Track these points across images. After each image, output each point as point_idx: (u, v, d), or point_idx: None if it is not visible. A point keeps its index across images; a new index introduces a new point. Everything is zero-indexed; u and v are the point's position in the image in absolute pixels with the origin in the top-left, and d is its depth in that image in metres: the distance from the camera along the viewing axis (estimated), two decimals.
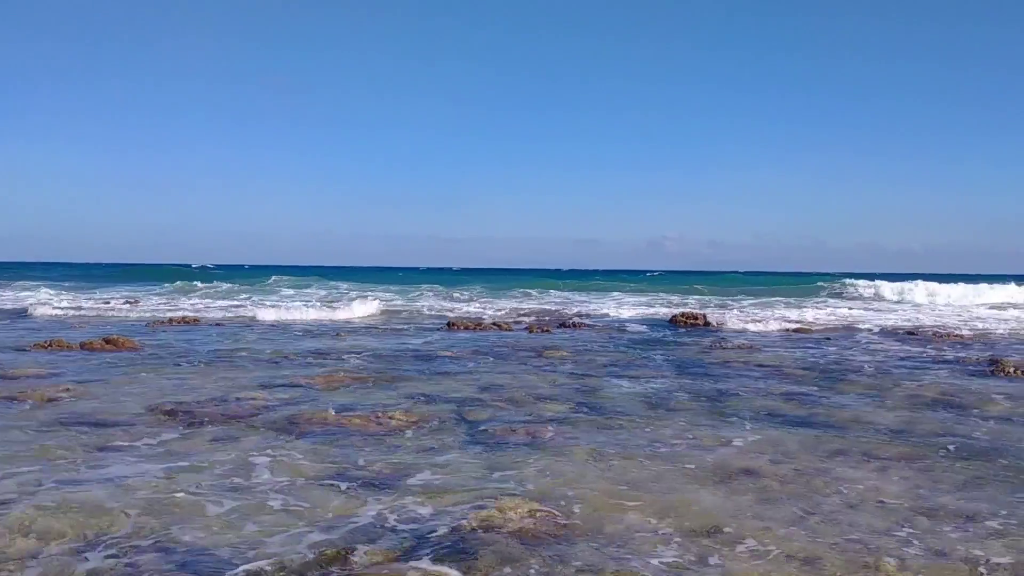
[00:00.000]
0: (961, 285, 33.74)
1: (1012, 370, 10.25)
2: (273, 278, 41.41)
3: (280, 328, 16.49)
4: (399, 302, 26.61)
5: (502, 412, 7.21)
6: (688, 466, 5.37)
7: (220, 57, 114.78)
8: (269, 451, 5.63)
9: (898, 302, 30.81)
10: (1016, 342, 15.20)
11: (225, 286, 34.31)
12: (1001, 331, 17.56)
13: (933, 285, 33.72)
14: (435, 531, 4.01)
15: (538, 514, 4.26)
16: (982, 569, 3.62)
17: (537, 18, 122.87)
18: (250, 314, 19.29)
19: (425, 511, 4.33)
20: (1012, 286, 33.18)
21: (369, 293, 30.03)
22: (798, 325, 18.29)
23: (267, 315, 18.73)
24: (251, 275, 47.54)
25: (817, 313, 23.50)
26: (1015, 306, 28.16)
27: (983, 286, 33.66)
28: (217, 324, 17.07)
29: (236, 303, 25.01)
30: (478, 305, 26.06)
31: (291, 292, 33.24)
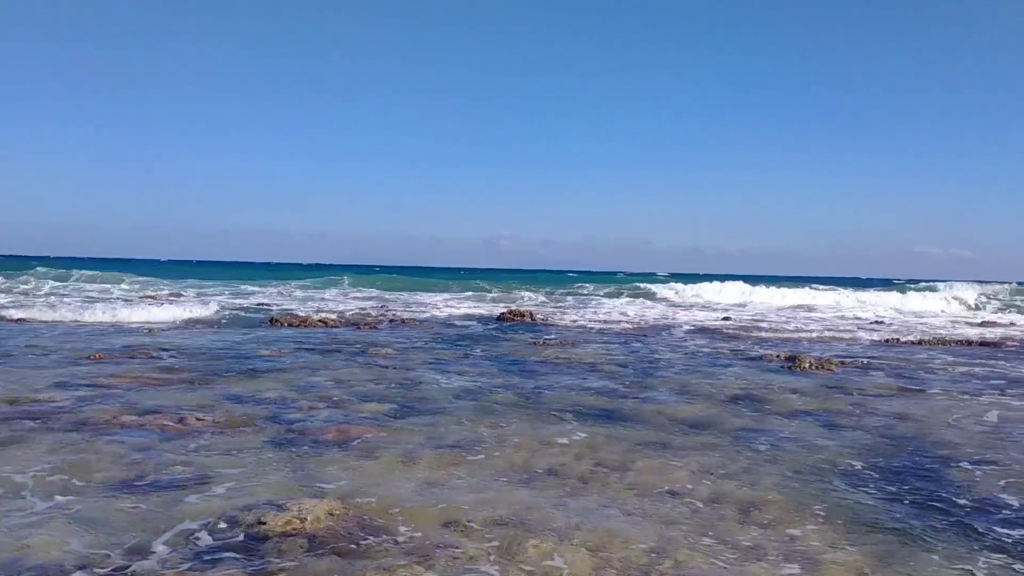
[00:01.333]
0: (772, 288, 36.00)
1: (808, 365, 11.00)
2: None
3: (77, 327, 15.52)
4: (222, 298, 25.65)
5: (316, 412, 7.06)
6: (498, 463, 5.44)
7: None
8: (53, 455, 5.27)
9: (715, 302, 32.42)
10: (818, 340, 16.32)
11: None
12: (802, 330, 18.82)
13: (744, 286, 35.83)
14: (232, 536, 3.87)
15: (339, 515, 4.20)
16: (761, 554, 3.84)
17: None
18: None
19: (222, 515, 4.17)
20: (806, 289, 35.88)
21: (194, 289, 28.77)
22: (621, 322, 18.94)
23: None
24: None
25: (638, 311, 24.45)
26: (810, 308, 30.28)
27: (786, 289, 36.10)
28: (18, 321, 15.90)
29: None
30: (308, 302, 25.53)
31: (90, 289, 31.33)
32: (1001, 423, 7.18)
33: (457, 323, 17.96)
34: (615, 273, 49.12)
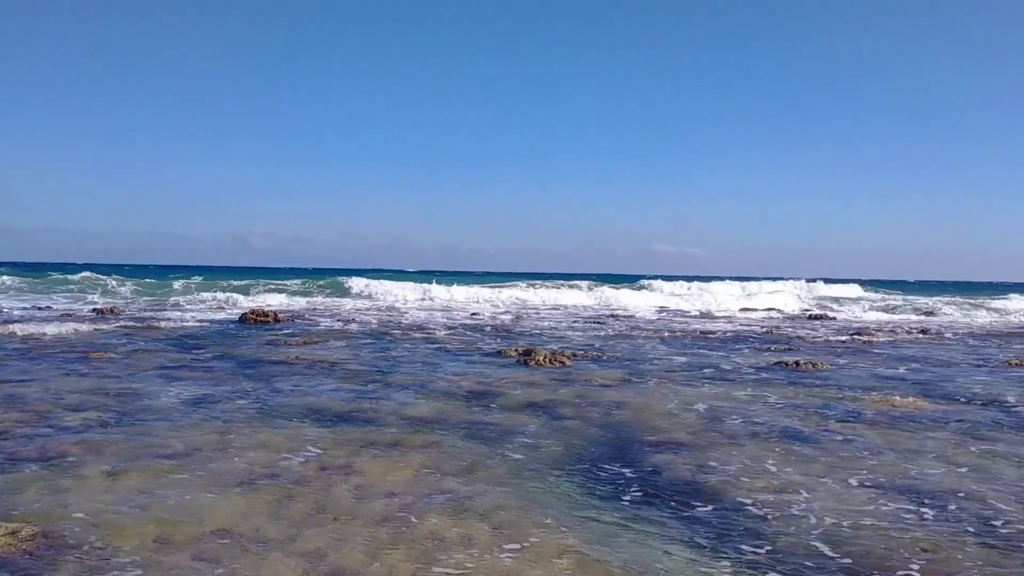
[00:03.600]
0: (523, 284, 37.32)
1: (542, 359, 11.47)
2: None
3: None
4: None
5: (17, 426, 6.43)
6: (218, 471, 5.21)
7: None
8: None
9: (460, 300, 33.03)
10: (555, 332, 17.06)
11: None
12: (547, 322, 19.64)
13: (484, 288, 36.87)
14: None
15: (26, 536, 3.85)
16: (476, 547, 3.93)
17: None
18: None
19: None
20: (519, 284, 37.52)
21: None
22: (371, 323, 18.84)
23: None
24: None
25: (385, 311, 24.45)
26: (556, 305, 31.65)
27: (523, 284, 37.65)
28: None
29: None
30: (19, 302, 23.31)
31: None
32: (707, 410, 7.83)
33: (195, 324, 17.08)
34: (372, 270, 48.78)
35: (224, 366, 10.47)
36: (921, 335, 18.30)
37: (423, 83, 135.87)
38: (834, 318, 25.05)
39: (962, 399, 8.67)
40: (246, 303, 25.21)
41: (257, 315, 17.93)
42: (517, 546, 3.95)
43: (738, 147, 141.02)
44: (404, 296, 31.00)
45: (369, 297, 32.63)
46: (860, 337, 17.13)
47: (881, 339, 16.81)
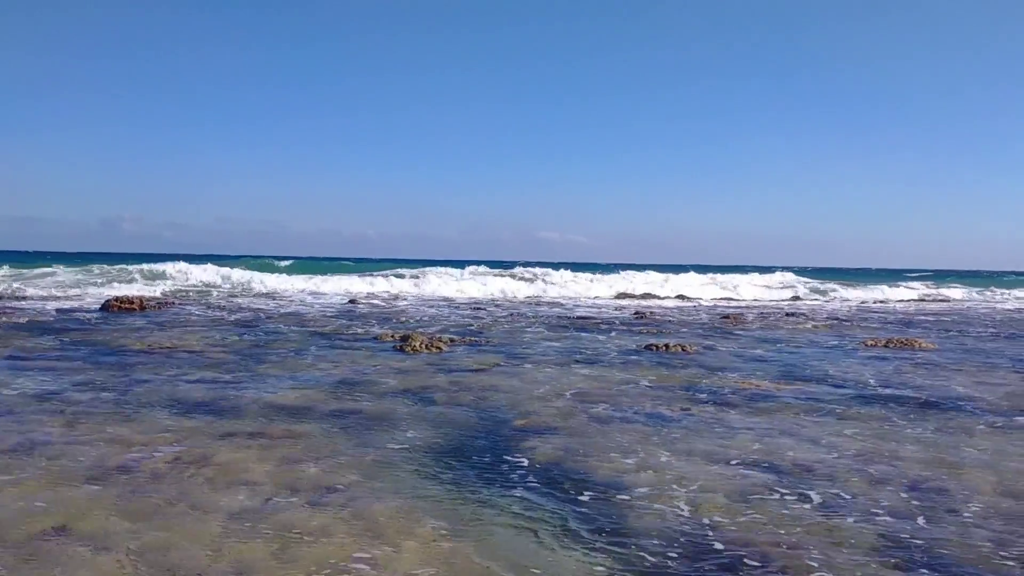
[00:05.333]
0: (399, 270, 37.00)
1: (418, 345, 11.37)
2: None
3: None
4: None
5: None
6: (60, 466, 4.93)
7: None
8: None
9: (337, 289, 32.52)
10: (435, 318, 16.97)
11: None
12: (428, 308, 19.51)
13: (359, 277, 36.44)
14: None
15: None
16: (331, 536, 3.83)
17: None
18: None
19: None
20: (402, 270, 37.43)
21: None
22: (246, 308, 18.31)
23: None
24: None
25: (265, 296, 23.84)
26: (446, 297, 31.54)
27: (407, 271, 37.42)
28: None
29: None
30: None
31: None
32: (578, 394, 7.91)
33: (53, 313, 16.21)
34: (245, 256, 47.44)
35: (80, 355, 9.94)
36: (788, 317, 19.05)
37: (295, 65, 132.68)
38: (712, 303, 25.83)
39: (818, 379, 9.05)
40: (111, 291, 24.10)
41: (121, 302, 17.16)
42: (379, 537, 3.87)
43: (622, 135, 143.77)
44: (279, 284, 30.20)
45: (244, 285, 31.70)
46: (729, 320, 17.71)
47: (752, 323, 17.42)
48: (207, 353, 10.43)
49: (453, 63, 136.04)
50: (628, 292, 31.08)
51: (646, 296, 29.63)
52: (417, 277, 35.69)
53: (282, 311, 18.31)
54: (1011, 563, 3.66)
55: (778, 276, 42.81)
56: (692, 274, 38.65)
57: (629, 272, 39.49)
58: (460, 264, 48.65)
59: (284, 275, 33.68)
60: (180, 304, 19.55)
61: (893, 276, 55.14)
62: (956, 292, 38.25)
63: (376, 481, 4.81)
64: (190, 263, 32.00)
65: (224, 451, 5.40)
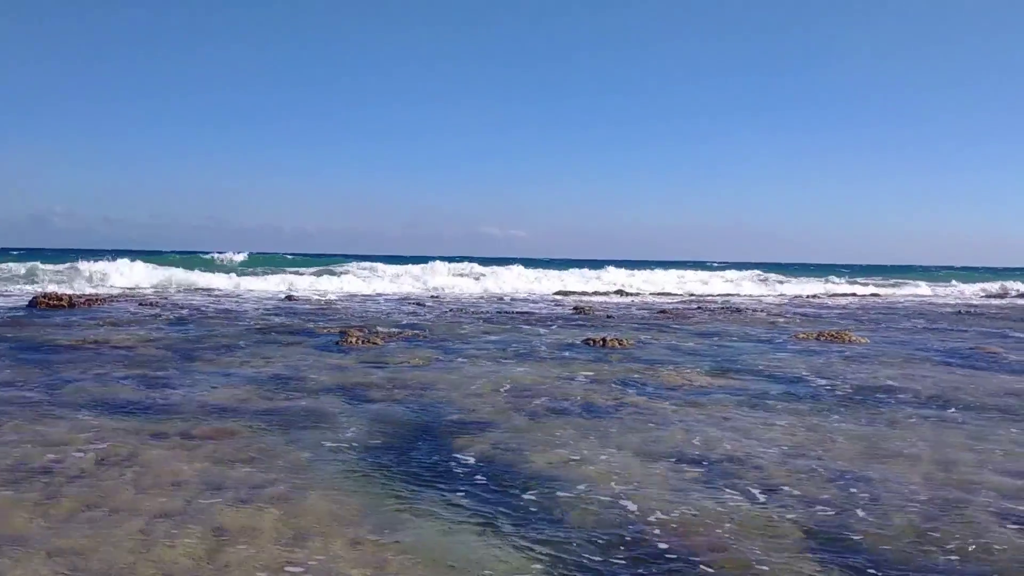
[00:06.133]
0: (350, 265, 36.67)
1: (355, 340, 11.28)
2: None
3: None
4: None
5: None
6: None
7: None
8: None
9: (286, 281, 32.10)
10: (375, 314, 16.84)
11: None
12: (369, 304, 19.36)
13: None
14: None
15: None
16: (260, 538, 3.77)
17: None
18: None
19: None
20: (343, 266, 37.21)
21: None
22: (182, 306, 17.95)
23: None
24: None
25: (202, 292, 23.43)
26: (378, 293, 31.32)
27: (347, 267, 37.12)
28: None
29: None
30: None
31: None
32: (514, 388, 7.92)
33: None
34: (181, 253, 46.46)
35: (0, 351, 9.64)
36: (726, 312, 19.32)
37: (232, 61, 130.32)
38: (650, 298, 26.09)
39: (751, 372, 9.20)
40: (39, 288, 23.43)
41: (50, 299, 16.66)
42: (310, 538, 3.81)
43: (560, 129, 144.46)
44: (215, 280, 29.65)
45: (179, 281, 31.07)
46: (667, 315, 17.92)
47: (690, 317, 17.64)
48: (137, 350, 10.19)
49: (398, 60, 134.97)
50: (569, 288, 31.22)
51: (587, 293, 29.80)
52: (357, 273, 35.44)
53: (217, 307, 17.99)
54: (933, 549, 3.76)
55: (748, 273, 43.27)
56: (658, 271, 38.85)
57: (575, 269, 39.67)
58: (401, 260, 48.44)
59: (221, 271, 33.14)
60: (112, 301, 19.07)
61: (862, 272, 56.39)
62: (906, 289, 39.04)
63: (308, 480, 4.75)
64: (125, 258, 31.21)
65: (151, 451, 5.28)
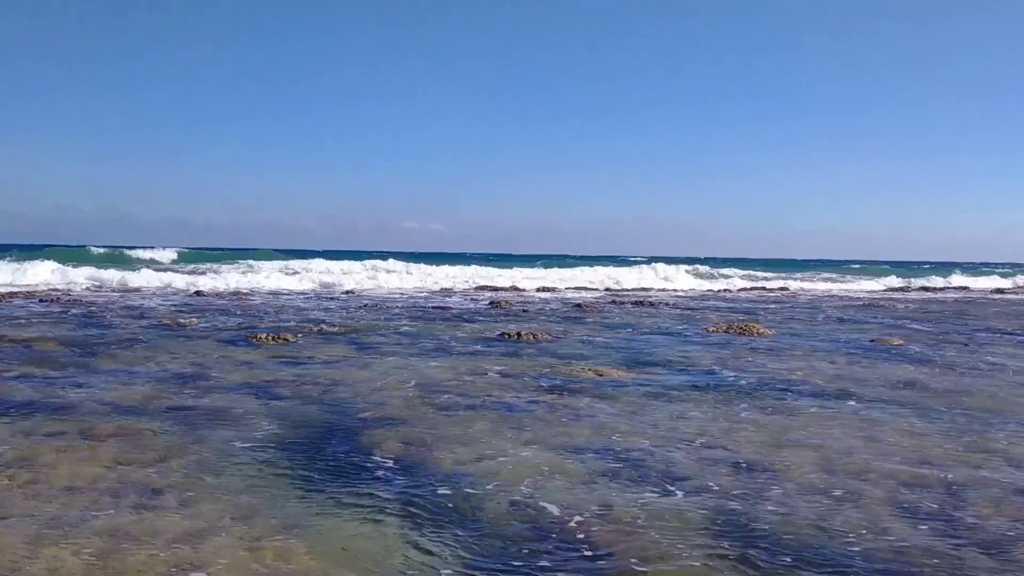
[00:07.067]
0: (250, 261, 35.89)
1: (265, 337, 11.05)
2: None
3: None
4: None
5: None
6: None
7: None
8: None
9: (195, 274, 31.33)
10: (287, 309, 16.55)
11: None
12: (280, 300, 18.99)
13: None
14: None
15: None
16: (153, 541, 3.65)
17: None
18: None
19: None
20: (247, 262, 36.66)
21: None
22: (88, 301, 17.35)
23: None
24: None
25: (94, 288, 22.71)
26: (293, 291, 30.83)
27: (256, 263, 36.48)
28: None
29: None
30: None
31: None
32: (425, 384, 7.87)
33: None
34: (86, 247, 44.90)
35: None
36: (632, 307, 19.60)
37: (130, 45, 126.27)
38: (566, 294, 26.29)
39: (662, 364, 9.35)
40: None
41: None
42: (211, 539, 3.71)
43: (480, 123, 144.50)
44: (122, 275, 28.74)
45: (84, 277, 30.04)
46: (582, 309, 18.09)
47: (606, 311, 17.83)
48: (36, 347, 9.80)
49: (321, 56, 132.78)
50: (486, 284, 31.23)
51: (505, 288, 29.85)
52: (270, 268, 34.83)
53: (123, 304, 17.45)
54: (833, 539, 3.87)
55: (669, 268, 43.65)
56: (579, 269, 38.96)
57: (497, 266, 39.66)
58: (316, 254, 47.78)
59: (128, 266, 32.16)
60: (9, 299, 18.30)
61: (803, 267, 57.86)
62: (816, 283, 40.00)
63: (211, 480, 4.62)
64: (24, 253, 30.00)
65: (46, 452, 5.07)
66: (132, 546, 3.57)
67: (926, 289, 34.87)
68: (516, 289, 29.10)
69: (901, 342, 12.27)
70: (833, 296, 28.63)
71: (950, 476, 4.89)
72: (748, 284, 36.00)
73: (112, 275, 26.53)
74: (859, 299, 26.21)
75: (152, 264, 35.72)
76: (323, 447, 5.43)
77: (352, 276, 30.82)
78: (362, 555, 3.56)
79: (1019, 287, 38.59)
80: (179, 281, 26.01)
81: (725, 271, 44.25)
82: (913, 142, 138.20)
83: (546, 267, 38.90)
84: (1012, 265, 70.11)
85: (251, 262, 38.67)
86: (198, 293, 21.54)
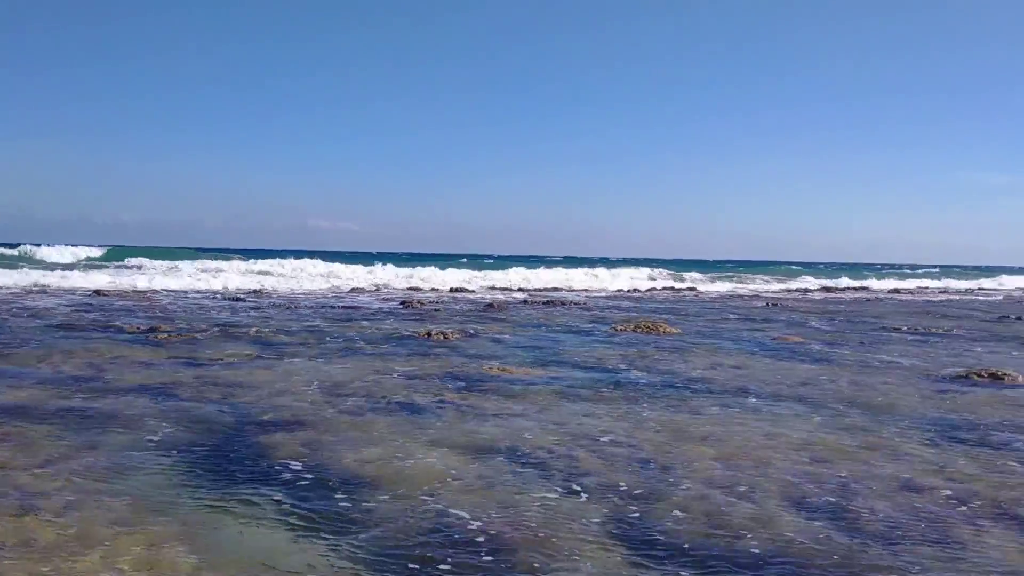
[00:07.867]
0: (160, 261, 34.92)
1: (167, 335, 10.74)
2: None
3: None
4: None
5: None
6: None
7: None
8: None
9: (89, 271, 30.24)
10: (191, 309, 16.12)
11: None
12: (186, 299, 18.47)
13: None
14: None
15: None
16: (58, 549, 3.49)
17: None
18: None
19: None
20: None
21: None
22: None
23: None
24: None
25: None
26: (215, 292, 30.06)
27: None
28: None
29: None
30: None
31: None
32: (331, 385, 7.75)
33: None
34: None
35: None
36: (544, 306, 19.72)
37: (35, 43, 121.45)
38: (477, 293, 26.27)
39: (570, 363, 9.42)
40: None
41: None
42: (98, 545, 3.56)
43: (404, 118, 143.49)
44: (13, 276, 27.53)
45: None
46: (493, 309, 18.12)
47: (518, 311, 17.89)
48: None
49: (241, 63, 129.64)
50: (396, 284, 30.98)
51: (419, 288, 29.67)
52: (172, 267, 33.90)
53: (16, 304, 16.71)
54: (730, 535, 3.95)
55: (579, 270, 43.89)
56: (514, 270, 38.80)
57: (416, 264, 39.39)
58: (223, 252, 46.69)
59: (23, 265, 30.85)
60: None
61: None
62: (723, 284, 40.79)
63: (100, 485, 4.44)
64: None
65: None
66: (9, 555, 3.41)
67: (828, 290, 36.02)
68: (430, 289, 28.97)
69: (802, 340, 12.64)
70: (740, 295, 29.35)
71: (843, 472, 5.05)
72: (659, 284, 36.64)
73: (7, 274, 25.38)
74: (766, 298, 26.92)
75: (53, 266, 34.30)
76: (223, 451, 5.29)
77: (261, 277, 30.22)
78: (256, 563, 3.47)
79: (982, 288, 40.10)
80: (81, 280, 25.04)
81: (637, 271, 44.90)
82: (823, 140, 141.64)
83: (458, 268, 38.71)
84: (943, 267, 72.12)
85: (160, 261, 37.56)
86: (98, 292, 20.77)
